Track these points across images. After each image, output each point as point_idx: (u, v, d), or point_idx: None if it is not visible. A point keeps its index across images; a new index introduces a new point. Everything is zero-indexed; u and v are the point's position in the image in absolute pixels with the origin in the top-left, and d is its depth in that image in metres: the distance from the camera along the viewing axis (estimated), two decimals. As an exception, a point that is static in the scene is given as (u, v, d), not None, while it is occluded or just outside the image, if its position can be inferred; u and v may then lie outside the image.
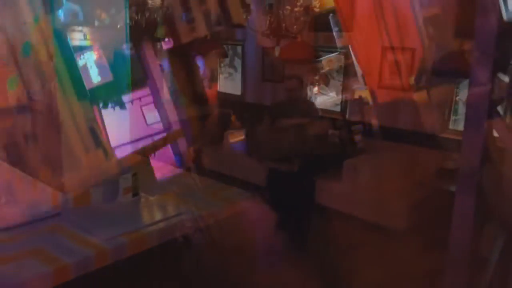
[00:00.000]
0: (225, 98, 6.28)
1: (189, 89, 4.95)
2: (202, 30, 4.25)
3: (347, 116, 4.99)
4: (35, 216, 2.44)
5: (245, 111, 5.83)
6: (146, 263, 2.45)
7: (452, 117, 4.27)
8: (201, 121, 4.92)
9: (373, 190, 3.78)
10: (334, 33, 4.70)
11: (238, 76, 6.33)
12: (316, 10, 4.46)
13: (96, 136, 2.77)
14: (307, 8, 4.51)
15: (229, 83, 6.45)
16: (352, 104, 4.90)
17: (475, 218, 1.71)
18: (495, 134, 2.12)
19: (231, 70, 6.42)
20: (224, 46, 6.10)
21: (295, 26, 4.50)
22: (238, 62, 6.29)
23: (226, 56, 6.11)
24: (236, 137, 5.50)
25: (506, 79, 2.95)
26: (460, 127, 3.93)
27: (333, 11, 4.68)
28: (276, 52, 4.88)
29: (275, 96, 5.70)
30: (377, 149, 4.49)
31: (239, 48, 6.19)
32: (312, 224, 3.63)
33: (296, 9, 4.46)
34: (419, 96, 3.90)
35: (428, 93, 4.08)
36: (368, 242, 3.30)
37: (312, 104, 4.50)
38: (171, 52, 4.49)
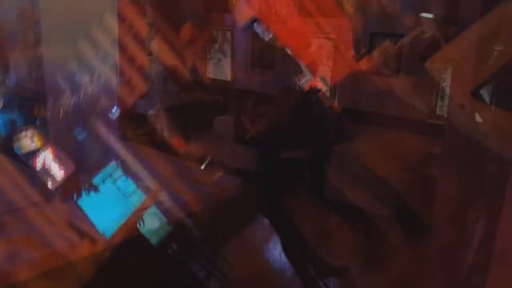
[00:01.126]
0: (214, 84, 6.23)
1: (178, 75, 4.92)
2: (142, 86, 4.27)
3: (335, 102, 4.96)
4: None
5: (234, 97, 5.81)
6: (138, 248, 2.47)
7: (439, 103, 4.30)
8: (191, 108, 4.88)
9: (361, 176, 3.79)
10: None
11: (227, 62, 6.31)
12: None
13: (77, 228, 2.74)
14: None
15: (218, 68, 6.42)
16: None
17: (458, 202, 1.72)
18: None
19: (220, 56, 6.38)
20: (214, 31, 6.06)
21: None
22: (227, 48, 6.27)
23: (215, 41, 6.07)
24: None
25: (431, 16, 3.03)
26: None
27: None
28: (266, 38, 4.84)
29: (264, 82, 5.70)
30: (364, 135, 4.49)
31: (228, 34, 6.17)
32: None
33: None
34: (364, 65, 3.96)
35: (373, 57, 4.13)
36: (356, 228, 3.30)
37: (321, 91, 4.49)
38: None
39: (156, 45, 4.40)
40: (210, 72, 6.39)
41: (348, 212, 3.64)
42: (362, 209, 3.55)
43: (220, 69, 6.34)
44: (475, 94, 2.08)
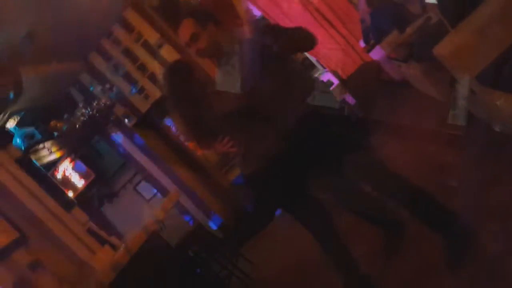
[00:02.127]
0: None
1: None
2: (155, 93, 4.32)
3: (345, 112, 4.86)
4: None
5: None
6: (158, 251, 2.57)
7: (451, 112, 4.16)
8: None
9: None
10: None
11: (236, 73, 6.32)
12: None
13: (97, 235, 2.80)
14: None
15: (227, 80, 6.44)
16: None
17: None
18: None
19: (229, 68, 6.41)
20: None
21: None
22: (236, 59, 6.30)
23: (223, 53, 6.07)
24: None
25: (435, 2, 2.98)
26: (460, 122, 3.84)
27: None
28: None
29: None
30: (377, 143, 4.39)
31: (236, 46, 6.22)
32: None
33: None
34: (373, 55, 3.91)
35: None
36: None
37: None
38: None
39: (166, 50, 4.45)
40: (219, 85, 6.44)
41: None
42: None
43: (229, 81, 6.37)
44: (484, 79, 2.04)
